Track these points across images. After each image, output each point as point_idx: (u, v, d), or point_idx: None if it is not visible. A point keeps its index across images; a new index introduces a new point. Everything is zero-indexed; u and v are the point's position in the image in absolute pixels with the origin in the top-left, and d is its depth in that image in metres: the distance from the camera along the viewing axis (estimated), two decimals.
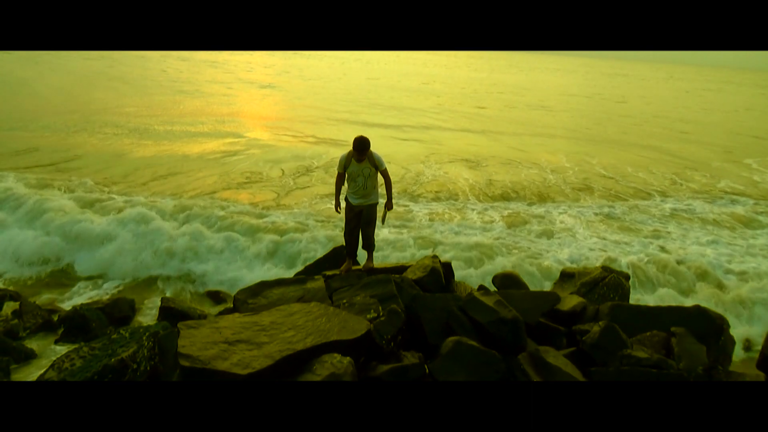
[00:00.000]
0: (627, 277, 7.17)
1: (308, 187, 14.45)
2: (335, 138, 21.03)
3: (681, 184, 17.36)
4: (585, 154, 21.77)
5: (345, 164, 6.31)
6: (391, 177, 6.63)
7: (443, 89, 47.66)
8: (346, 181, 6.50)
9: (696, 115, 40.66)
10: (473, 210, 13.09)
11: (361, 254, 7.00)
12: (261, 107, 30.07)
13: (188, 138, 19.38)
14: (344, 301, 5.78)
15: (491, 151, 21.13)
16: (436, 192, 14.45)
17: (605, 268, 7.15)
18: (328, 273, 6.80)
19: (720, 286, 9.62)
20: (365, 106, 31.57)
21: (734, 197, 16.18)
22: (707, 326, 5.88)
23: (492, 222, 12.27)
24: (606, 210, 13.87)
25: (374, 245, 6.88)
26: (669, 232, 12.36)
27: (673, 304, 7.38)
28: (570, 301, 6.30)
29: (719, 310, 6.85)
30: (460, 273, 8.88)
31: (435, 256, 7.00)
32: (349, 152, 6.27)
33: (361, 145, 6.09)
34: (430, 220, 12.05)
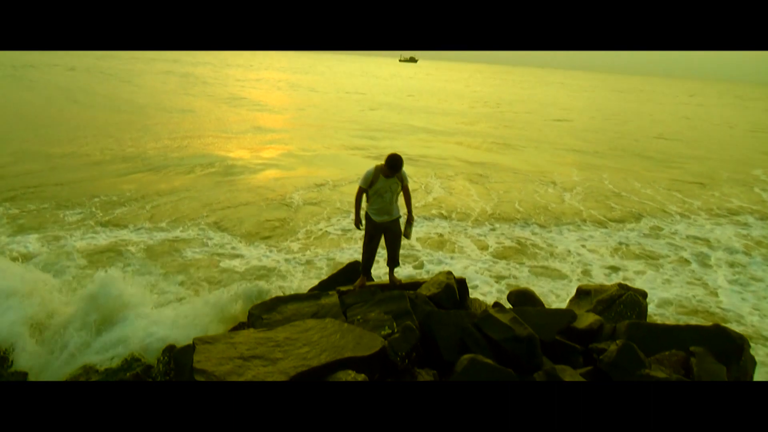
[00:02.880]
0: (644, 295, 7.07)
1: (320, 202, 14.44)
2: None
3: (691, 203, 17.06)
4: (596, 168, 21.72)
5: (372, 180, 6.28)
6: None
7: (455, 105, 47.82)
8: (367, 198, 6.49)
9: (698, 133, 40.36)
10: (479, 233, 12.71)
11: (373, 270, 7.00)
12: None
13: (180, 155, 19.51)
14: (358, 317, 5.77)
15: (502, 166, 21.11)
16: (445, 211, 14.27)
17: (622, 286, 7.06)
18: (342, 288, 6.80)
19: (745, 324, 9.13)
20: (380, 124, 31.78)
21: (746, 217, 15.80)
22: (727, 346, 5.76)
23: (496, 248, 11.79)
24: (621, 235, 13.33)
25: (399, 262, 6.91)
26: (688, 261, 11.80)
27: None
28: (586, 319, 6.22)
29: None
30: (473, 290, 8.82)
31: (449, 273, 6.97)
32: (377, 168, 6.28)
33: (396, 163, 6.12)
34: (429, 245, 11.65)
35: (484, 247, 11.79)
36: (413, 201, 6.98)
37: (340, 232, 12.06)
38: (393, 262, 6.80)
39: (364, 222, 6.61)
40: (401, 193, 6.47)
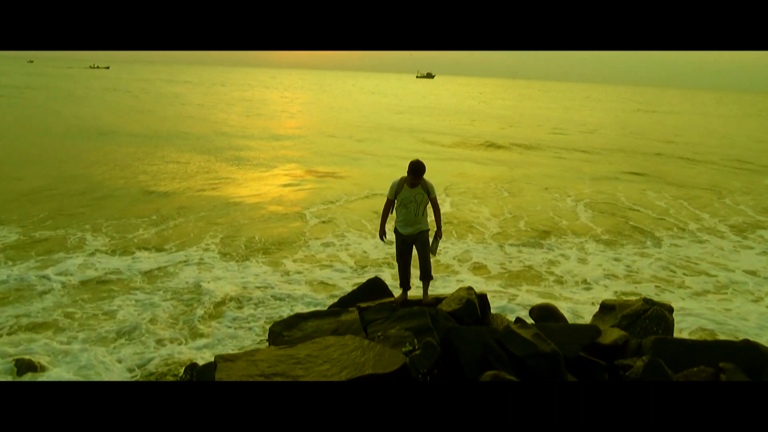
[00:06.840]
0: (671, 310, 6.92)
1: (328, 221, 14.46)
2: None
3: (705, 219, 16.37)
4: (613, 179, 21.49)
5: (397, 190, 6.30)
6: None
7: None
8: (394, 210, 6.49)
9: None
10: (489, 253, 12.15)
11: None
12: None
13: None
14: (379, 333, 5.75)
15: (518, 181, 20.99)
16: (455, 229, 13.93)
17: (647, 300, 6.92)
18: (362, 305, 6.79)
19: None
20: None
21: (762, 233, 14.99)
22: (758, 362, 5.60)
23: (503, 270, 11.21)
24: (640, 258, 12.37)
25: (432, 275, 6.78)
26: (710, 286, 10.90)
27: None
28: (611, 335, 6.11)
29: None
30: (495, 305, 8.68)
31: (470, 288, 6.92)
32: (402, 178, 6.30)
33: (418, 168, 6.10)
34: (440, 264, 11.14)
35: (490, 269, 11.38)
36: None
37: (350, 250, 11.94)
38: (426, 276, 6.65)
39: (389, 234, 6.62)
40: (429, 205, 6.43)
